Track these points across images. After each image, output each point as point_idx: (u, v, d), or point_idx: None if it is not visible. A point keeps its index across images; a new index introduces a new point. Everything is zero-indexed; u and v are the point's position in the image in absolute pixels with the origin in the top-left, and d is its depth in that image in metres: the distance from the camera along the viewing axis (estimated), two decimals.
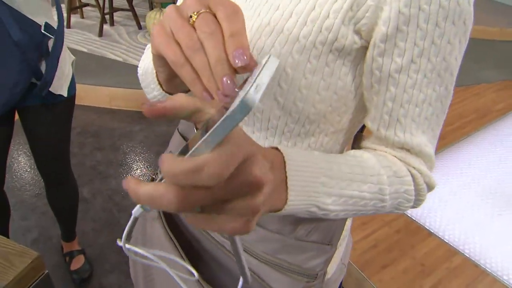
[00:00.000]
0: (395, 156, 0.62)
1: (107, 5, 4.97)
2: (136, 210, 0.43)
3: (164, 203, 0.33)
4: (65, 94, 1.64)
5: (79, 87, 1.76)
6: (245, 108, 0.31)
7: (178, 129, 0.83)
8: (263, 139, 0.66)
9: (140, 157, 3.13)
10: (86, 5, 5.43)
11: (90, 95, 3.52)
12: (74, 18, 5.42)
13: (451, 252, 2.25)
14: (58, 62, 1.54)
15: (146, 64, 0.70)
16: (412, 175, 0.62)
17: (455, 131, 3.46)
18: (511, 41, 6.05)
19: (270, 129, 0.64)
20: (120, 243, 0.46)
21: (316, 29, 0.55)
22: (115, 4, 5.21)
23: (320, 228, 0.70)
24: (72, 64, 1.69)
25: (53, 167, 1.84)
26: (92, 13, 5.67)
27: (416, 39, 0.54)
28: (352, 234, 2.28)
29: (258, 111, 0.63)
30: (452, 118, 3.66)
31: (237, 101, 0.31)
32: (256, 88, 0.31)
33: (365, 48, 0.58)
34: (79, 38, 4.73)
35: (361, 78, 0.60)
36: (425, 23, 0.53)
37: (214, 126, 0.31)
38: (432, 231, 2.38)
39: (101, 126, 3.47)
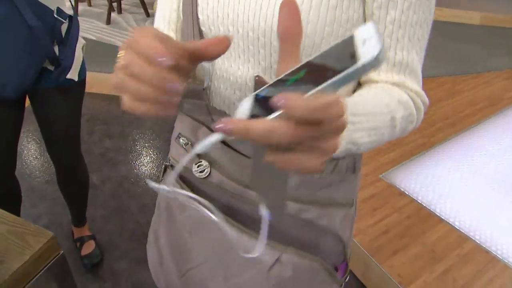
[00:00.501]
0: (394, 83, 0.69)
1: None
2: (214, 137, 0.43)
3: (281, 136, 0.37)
4: (76, 79, 1.64)
5: (87, 74, 1.76)
6: (377, 62, 0.37)
7: (183, 111, 0.83)
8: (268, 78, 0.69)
9: (149, 144, 3.13)
10: None
11: (98, 82, 3.51)
12: (82, 6, 5.42)
13: (462, 238, 2.23)
14: (75, 49, 1.55)
15: None
16: (411, 98, 0.70)
17: (465, 118, 3.44)
18: None
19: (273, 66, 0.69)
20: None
21: None
22: None
23: (345, 161, 0.76)
24: (82, 49, 1.69)
25: (64, 151, 1.84)
26: (99, 1, 5.66)
27: None
28: (362, 220, 2.29)
29: (264, 47, 0.67)
30: (463, 105, 3.63)
31: (368, 56, 0.37)
32: (379, 40, 0.38)
33: None
34: (87, 26, 4.72)
35: (362, 10, 0.66)
36: None
37: (345, 72, 0.37)
38: (443, 218, 2.37)
39: (109, 113, 3.47)
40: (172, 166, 0.85)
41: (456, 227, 2.31)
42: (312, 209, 0.76)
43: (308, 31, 0.63)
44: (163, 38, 0.41)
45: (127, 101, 0.42)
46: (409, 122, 0.69)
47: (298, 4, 0.43)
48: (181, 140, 0.82)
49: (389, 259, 2.08)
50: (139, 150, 3.06)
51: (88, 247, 2.19)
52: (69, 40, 1.53)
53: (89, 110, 3.38)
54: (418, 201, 2.48)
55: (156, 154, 3.03)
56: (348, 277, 0.87)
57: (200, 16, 0.73)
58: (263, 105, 0.41)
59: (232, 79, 0.74)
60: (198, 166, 0.78)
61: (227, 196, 0.78)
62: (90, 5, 5.51)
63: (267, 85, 0.43)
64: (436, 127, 3.27)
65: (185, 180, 0.81)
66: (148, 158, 2.99)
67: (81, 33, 1.67)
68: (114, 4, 5.04)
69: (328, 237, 0.77)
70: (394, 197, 2.49)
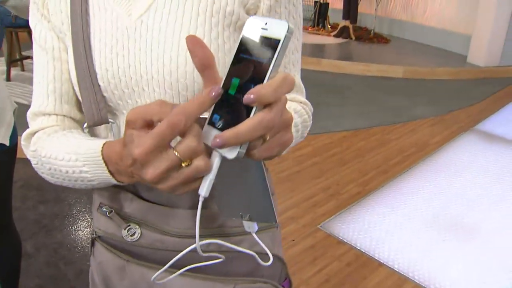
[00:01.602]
0: (289, 99, 0.78)
1: None
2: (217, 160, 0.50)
3: (267, 123, 0.45)
4: (7, 143, 1.60)
5: (19, 139, 1.72)
6: (291, 31, 0.45)
7: (100, 209, 0.82)
8: None
9: (86, 209, 3.05)
10: (27, 57, 5.36)
11: None
12: (15, 71, 5.33)
13: (401, 280, 2.30)
14: None
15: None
16: (303, 108, 0.81)
17: (396, 165, 3.61)
18: (440, 80, 6.44)
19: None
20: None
21: (221, 17, 0.71)
22: None
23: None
24: (14, 112, 1.67)
25: None
26: (32, 66, 5.60)
27: (285, 4, 0.75)
28: (303, 271, 2.31)
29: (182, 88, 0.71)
30: (393, 153, 3.81)
31: (282, 31, 0.46)
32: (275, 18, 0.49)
33: None
34: (19, 91, 4.65)
35: None
36: None
37: (278, 50, 0.45)
38: (382, 262, 2.43)
39: (44, 179, 3.36)
40: (100, 237, 0.82)
41: (395, 269, 2.38)
42: (244, 239, 0.79)
43: None
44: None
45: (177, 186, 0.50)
46: (305, 127, 0.80)
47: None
48: (103, 209, 0.80)
49: None
50: (75, 215, 2.97)
51: None
52: None
53: (22, 176, 3.26)
54: (357, 248, 2.55)
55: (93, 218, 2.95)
56: None
57: (100, 83, 0.73)
58: (224, 122, 0.48)
59: None
60: (128, 231, 0.78)
61: (163, 252, 0.77)
62: (23, 69, 5.44)
63: (212, 110, 0.49)
64: (369, 176, 3.41)
65: (117, 248, 0.80)
66: (85, 222, 2.91)
67: (13, 98, 1.65)
68: None
69: (267, 258, 0.79)
70: (333, 246, 2.55)
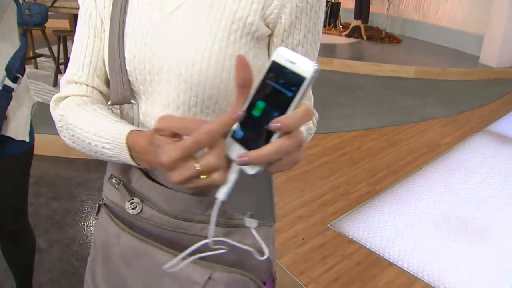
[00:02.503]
0: None
1: (61, 55, 4.98)
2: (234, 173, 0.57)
3: (286, 149, 0.52)
4: (27, 139, 1.61)
5: (35, 136, 1.72)
6: (317, 73, 0.50)
7: (110, 180, 0.89)
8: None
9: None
10: (40, 55, 5.42)
11: (45, 144, 3.46)
12: (28, 69, 5.38)
13: (411, 280, 2.30)
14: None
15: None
16: None
17: (407, 165, 3.60)
18: (452, 80, 6.41)
19: (204, 110, 0.79)
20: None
21: (241, 25, 0.76)
22: (69, 55, 5.22)
23: None
24: (32, 107, 1.66)
25: (10, 222, 1.78)
26: (46, 63, 5.65)
27: (306, 22, 0.79)
28: (313, 269, 2.32)
29: (192, 94, 0.77)
30: (404, 153, 3.81)
31: (309, 71, 0.50)
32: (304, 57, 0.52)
33: (269, 36, 0.80)
34: (33, 88, 4.64)
35: (265, 56, 0.82)
36: (310, 11, 0.79)
37: (303, 87, 0.50)
38: (392, 261, 2.44)
39: (57, 175, 3.41)
40: (105, 205, 0.90)
41: (405, 269, 2.38)
42: (236, 231, 0.84)
43: (223, 77, 0.76)
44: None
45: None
46: (309, 134, 0.86)
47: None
48: (113, 181, 0.87)
49: None
50: (87, 211, 3.01)
51: None
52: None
53: (35, 172, 3.30)
54: (367, 247, 2.55)
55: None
56: None
57: (127, 67, 0.80)
58: (246, 139, 0.54)
59: (155, 122, 0.80)
60: (130, 203, 0.84)
61: (159, 228, 0.84)
62: (36, 67, 5.50)
63: (236, 125, 0.55)
64: (380, 176, 3.41)
65: (118, 217, 0.87)
66: None
67: (33, 97, 1.65)
68: (61, 67, 5.05)
69: (259, 254, 0.81)
70: (343, 245, 2.55)
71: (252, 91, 0.55)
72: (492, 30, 6.90)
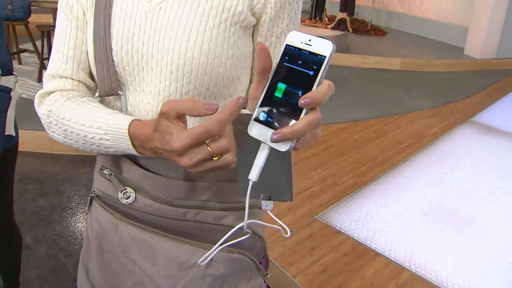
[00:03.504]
0: None
1: (46, 50, 4.93)
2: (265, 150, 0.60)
3: (317, 122, 0.55)
4: (13, 133, 1.58)
5: (19, 133, 1.70)
6: (333, 49, 0.54)
7: (101, 171, 0.89)
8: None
9: (85, 200, 3.06)
10: (24, 51, 5.35)
11: (30, 141, 3.43)
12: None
13: (398, 269, 2.33)
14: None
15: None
16: None
17: (393, 157, 3.63)
18: (437, 72, 6.46)
19: (196, 97, 0.79)
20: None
21: (231, 14, 0.77)
22: None
23: None
24: (16, 101, 1.63)
25: None
26: (30, 59, 5.59)
27: (288, 12, 0.82)
28: (301, 261, 2.33)
29: (182, 80, 0.78)
30: (390, 145, 3.83)
31: (328, 49, 0.54)
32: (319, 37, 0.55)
33: (254, 25, 0.82)
34: (17, 84, 4.63)
35: (254, 46, 0.85)
36: (292, 1, 0.82)
37: (324, 64, 0.54)
38: (379, 252, 2.46)
39: (43, 171, 3.38)
40: (98, 197, 0.90)
41: (392, 259, 2.41)
42: (229, 215, 0.87)
43: (215, 64, 0.77)
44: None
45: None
46: None
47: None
48: (104, 172, 0.88)
49: None
50: (74, 207, 2.99)
51: None
52: None
53: (20, 169, 3.27)
54: (354, 238, 2.57)
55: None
56: (269, 274, 0.93)
57: (114, 58, 0.80)
58: (274, 119, 0.57)
59: (143, 112, 0.82)
60: (123, 193, 0.85)
61: (153, 216, 0.84)
62: (20, 63, 5.43)
63: (258, 108, 0.58)
64: (366, 167, 3.43)
65: (112, 207, 0.87)
66: (84, 215, 2.92)
67: (18, 90, 1.62)
68: (45, 62, 5.00)
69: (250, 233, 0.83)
70: (330, 236, 2.57)
71: (270, 75, 0.58)
72: (476, 22, 6.96)
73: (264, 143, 0.58)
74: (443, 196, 3.08)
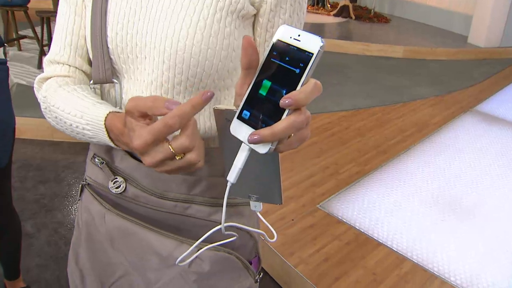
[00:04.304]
0: None
1: (45, 37, 4.89)
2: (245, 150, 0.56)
3: (299, 124, 0.50)
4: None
5: (19, 120, 1.68)
6: (322, 47, 0.49)
7: (93, 159, 0.88)
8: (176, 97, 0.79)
9: None
10: (24, 37, 5.31)
11: (30, 128, 3.42)
12: (12, 51, 5.29)
13: (400, 259, 2.32)
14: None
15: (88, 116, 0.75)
16: None
17: (396, 145, 3.60)
18: (441, 60, 6.41)
19: (188, 88, 0.77)
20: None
21: (227, 3, 0.74)
22: (53, 36, 5.13)
23: None
24: (11, 89, 1.63)
25: None
26: (30, 45, 5.55)
27: (291, 1, 0.78)
28: (303, 250, 2.32)
29: (174, 72, 0.76)
30: (393, 133, 3.81)
31: (316, 45, 0.49)
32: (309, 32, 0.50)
33: (255, 15, 0.79)
34: (17, 71, 4.60)
35: (251, 34, 0.81)
36: None
37: (311, 62, 0.49)
38: (381, 241, 2.45)
39: (43, 158, 3.36)
40: (89, 185, 0.89)
41: (394, 249, 2.40)
42: (220, 211, 0.82)
43: (208, 55, 0.74)
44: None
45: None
46: None
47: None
48: (96, 160, 0.87)
49: (332, 286, 2.11)
50: (75, 195, 2.98)
51: None
52: None
53: (21, 156, 3.26)
54: (356, 227, 2.55)
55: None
56: (261, 274, 0.91)
57: (109, 45, 0.79)
58: (255, 119, 0.53)
59: None
60: (114, 183, 0.84)
61: (143, 208, 0.83)
62: (20, 49, 5.39)
63: (242, 106, 0.54)
64: (369, 156, 3.41)
65: (102, 197, 0.86)
66: None
67: (12, 78, 1.62)
68: (46, 48, 4.96)
69: (239, 233, 0.81)
70: (332, 225, 2.56)
71: (256, 71, 0.54)
72: (480, 10, 6.89)
73: (244, 143, 0.54)
74: (446, 186, 3.07)
